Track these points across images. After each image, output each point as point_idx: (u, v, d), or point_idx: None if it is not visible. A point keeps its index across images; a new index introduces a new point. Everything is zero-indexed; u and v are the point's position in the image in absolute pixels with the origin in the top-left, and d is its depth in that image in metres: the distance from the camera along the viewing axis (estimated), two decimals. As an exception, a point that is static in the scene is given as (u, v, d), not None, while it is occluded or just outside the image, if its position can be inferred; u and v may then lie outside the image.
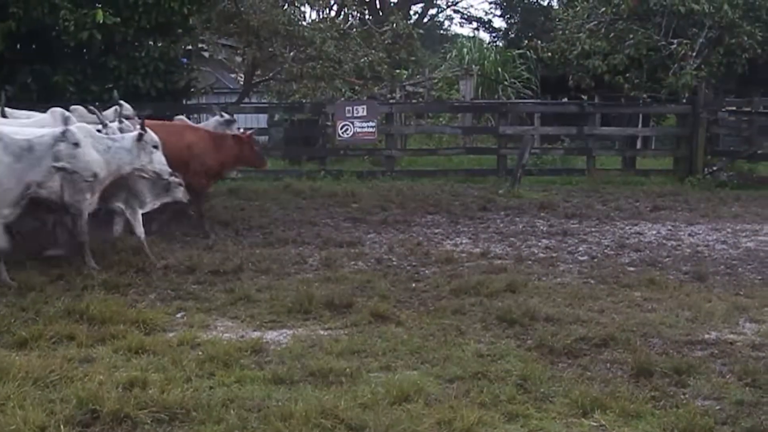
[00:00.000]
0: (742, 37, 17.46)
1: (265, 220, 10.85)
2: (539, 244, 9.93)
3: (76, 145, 7.44)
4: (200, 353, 5.62)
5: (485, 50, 26.40)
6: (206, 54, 20.62)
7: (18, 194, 7.35)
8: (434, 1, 35.22)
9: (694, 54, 17.38)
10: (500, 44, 29.79)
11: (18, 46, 13.96)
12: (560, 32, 19.42)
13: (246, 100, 19.79)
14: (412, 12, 32.62)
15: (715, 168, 15.93)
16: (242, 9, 17.60)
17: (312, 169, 16.33)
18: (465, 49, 26.05)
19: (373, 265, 8.59)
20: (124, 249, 8.46)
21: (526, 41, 22.54)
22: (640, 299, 7.27)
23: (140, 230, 8.59)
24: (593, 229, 10.94)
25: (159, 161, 8.16)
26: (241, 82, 22.13)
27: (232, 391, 4.99)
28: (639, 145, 20.49)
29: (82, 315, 6.35)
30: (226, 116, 11.80)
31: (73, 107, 9.51)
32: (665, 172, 16.86)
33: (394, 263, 8.73)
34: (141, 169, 8.16)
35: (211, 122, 11.77)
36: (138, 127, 8.29)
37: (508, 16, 31.78)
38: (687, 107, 16.55)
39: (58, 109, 9.06)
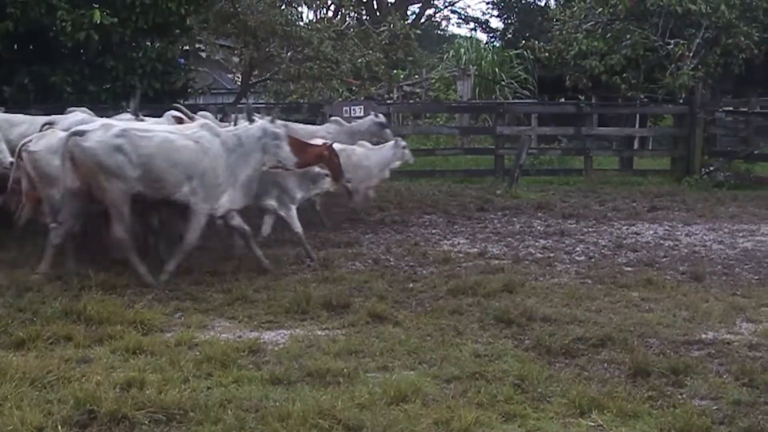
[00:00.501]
0: (739, 38, 17.47)
1: (262, 220, 10.82)
2: (536, 244, 9.94)
3: (279, 138, 7.98)
4: (198, 354, 5.62)
5: (482, 50, 26.41)
6: (203, 54, 20.63)
7: (230, 186, 7.83)
8: (431, 2, 35.22)
9: (691, 54, 17.39)
10: (497, 44, 29.79)
11: (15, 46, 13.96)
12: (557, 32, 19.42)
13: (243, 100, 19.79)
14: (409, 12, 32.62)
15: (712, 168, 15.95)
16: (239, 9, 17.59)
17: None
18: (462, 50, 26.07)
19: (370, 266, 8.59)
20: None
21: (524, 41, 22.56)
22: (637, 299, 7.27)
23: (297, 225, 8.73)
24: (590, 230, 10.95)
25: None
26: (239, 83, 22.13)
27: (230, 392, 4.99)
28: (636, 145, 20.51)
29: (80, 315, 6.34)
30: (381, 117, 11.82)
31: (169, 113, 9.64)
32: (662, 172, 16.89)
33: (392, 263, 8.73)
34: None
35: (366, 122, 11.80)
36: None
37: (506, 16, 31.76)
38: (684, 107, 16.57)
39: (173, 112, 9.34)
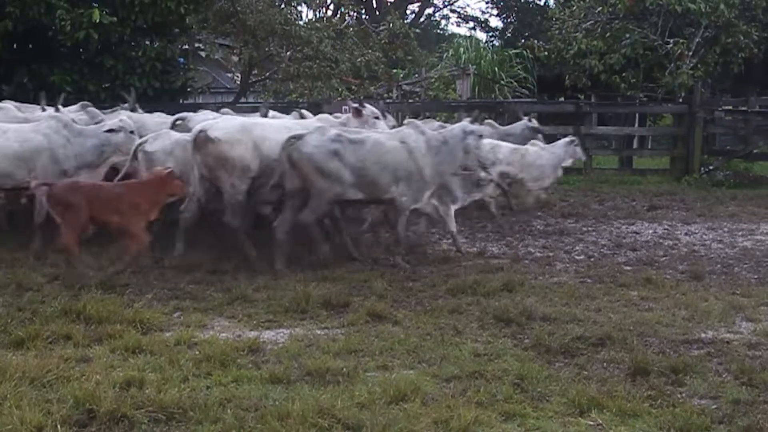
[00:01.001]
0: (738, 37, 17.49)
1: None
2: (536, 243, 9.94)
3: (481, 137, 8.34)
4: (197, 353, 5.61)
5: (482, 50, 26.34)
6: (203, 53, 20.65)
7: (436, 184, 8.30)
8: (431, 1, 35.21)
9: (691, 53, 17.41)
10: (497, 44, 29.79)
11: (15, 45, 13.98)
12: (557, 32, 19.44)
13: (243, 99, 19.79)
14: (408, 11, 32.63)
15: (711, 167, 15.97)
16: (239, 8, 17.60)
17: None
18: (461, 49, 26.01)
19: (370, 265, 8.59)
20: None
21: (523, 41, 22.60)
22: (636, 298, 7.27)
23: (452, 225, 8.95)
24: (590, 229, 10.95)
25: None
26: (238, 82, 22.13)
27: (229, 391, 4.98)
28: (635, 144, 20.54)
29: (79, 315, 6.32)
30: (534, 122, 11.80)
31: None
32: (662, 171, 16.91)
33: (391, 262, 8.71)
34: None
35: (519, 125, 11.82)
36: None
37: (505, 15, 31.81)
38: (683, 107, 16.58)
39: (306, 114, 10.02)
